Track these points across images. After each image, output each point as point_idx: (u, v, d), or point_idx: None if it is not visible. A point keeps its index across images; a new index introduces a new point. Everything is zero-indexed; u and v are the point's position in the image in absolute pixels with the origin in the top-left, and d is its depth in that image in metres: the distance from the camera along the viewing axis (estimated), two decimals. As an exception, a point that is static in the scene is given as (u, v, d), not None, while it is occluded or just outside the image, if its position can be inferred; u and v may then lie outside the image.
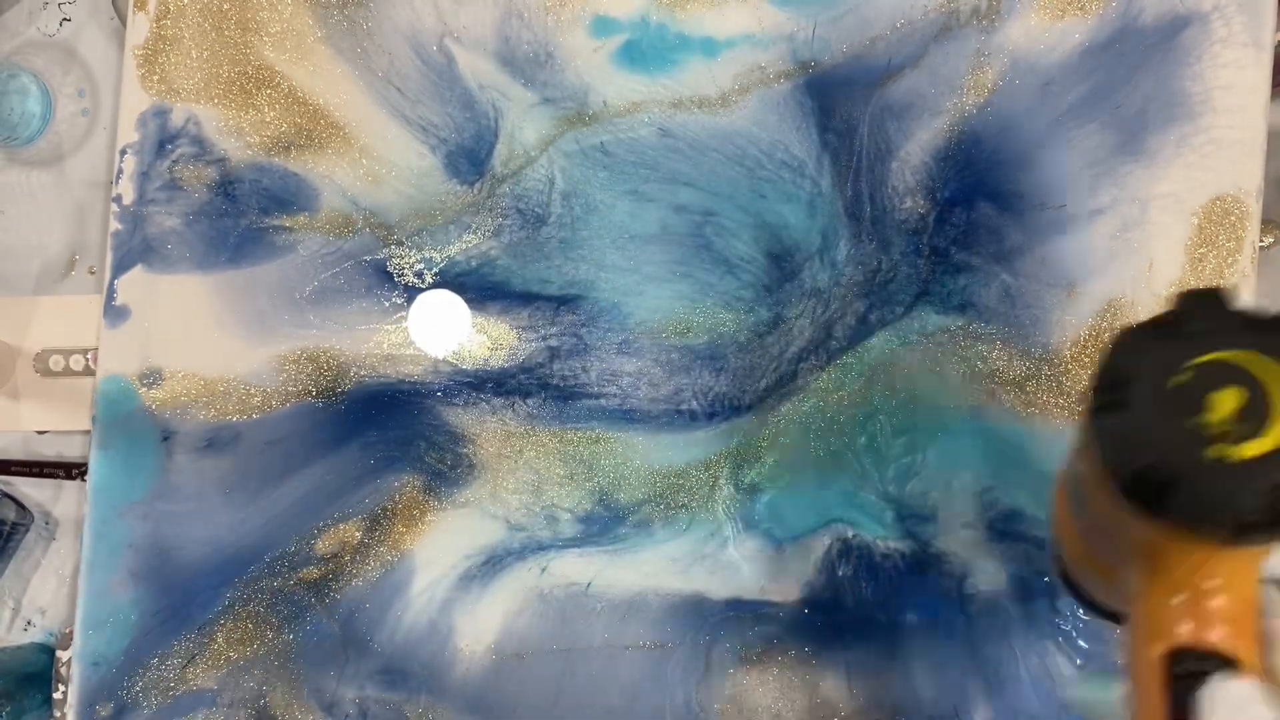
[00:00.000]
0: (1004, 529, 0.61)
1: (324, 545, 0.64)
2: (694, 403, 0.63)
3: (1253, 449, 0.30)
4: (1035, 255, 0.62)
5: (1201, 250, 0.61)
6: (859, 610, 0.61)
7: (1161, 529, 0.31)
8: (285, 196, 0.66)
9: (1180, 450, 0.30)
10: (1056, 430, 0.61)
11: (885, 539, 0.61)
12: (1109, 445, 0.32)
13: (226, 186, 0.66)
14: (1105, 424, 0.32)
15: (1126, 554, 0.36)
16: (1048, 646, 0.60)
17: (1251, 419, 0.30)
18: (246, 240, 0.66)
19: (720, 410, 0.63)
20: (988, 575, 0.61)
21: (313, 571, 0.64)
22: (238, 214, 0.66)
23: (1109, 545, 0.38)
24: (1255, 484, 0.29)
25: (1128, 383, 0.32)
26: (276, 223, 0.65)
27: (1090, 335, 0.61)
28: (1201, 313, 0.31)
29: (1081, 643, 0.60)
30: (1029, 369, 0.61)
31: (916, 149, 0.63)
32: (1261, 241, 0.61)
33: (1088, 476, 0.36)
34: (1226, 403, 0.30)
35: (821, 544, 0.62)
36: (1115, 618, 0.43)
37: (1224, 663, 0.31)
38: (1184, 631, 0.32)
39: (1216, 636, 0.32)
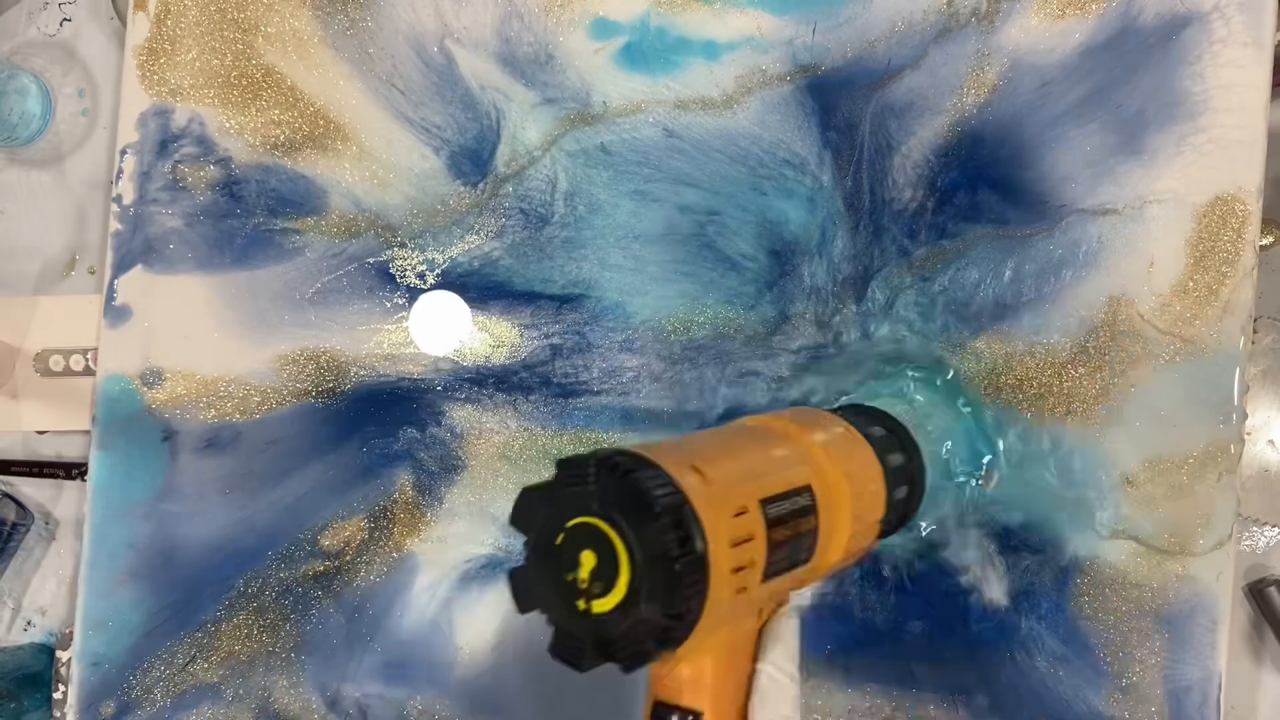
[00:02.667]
0: (1002, 532, 0.61)
1: (326, 544, 0.64)
2: (697, 401, 0.63)
3: (605, 604, 0.34)
4: (1034, 254, 0.62)
5: (1202, 250, 0.61)
6: (860, 610, 0.61)
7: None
8: (293, 198, 0.66)
9: (557, 601, 0.35)
10: (1053, 428, 0.61)
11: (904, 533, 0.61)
12: (514, 592, 0.37)
13: (231, 187, 0.66)
14: (511, 574, 0.37)
15: None
16: (1042, 649, 0.60)
17: (604, 577, 0.34)
18: (254, 242, 0.66)
19: (725, 407, 0.63)
20: (990, 580, 0.61)
21: (315, 569, 0.64)
22: (244, 215, 0.66)
23: None
24: (614, 632, 0.34)
25: (526, 542, 0.37)
26: (285, 225, 0.65)
27: (1090, 335, 0.61)
28: (567, 479, 0.36)
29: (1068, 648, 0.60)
30: (1028, 369, 0.62)
31: (917, 146, 0.63)
32: (1262, 241, 0.61)
33: None
34: (588, 562, 0.35)
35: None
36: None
37: (693, 715, 0.38)
38: (659, 690, 0.39)
39: (685, 699, 0.38)
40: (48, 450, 0.71)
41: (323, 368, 0.65)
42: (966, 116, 0.63)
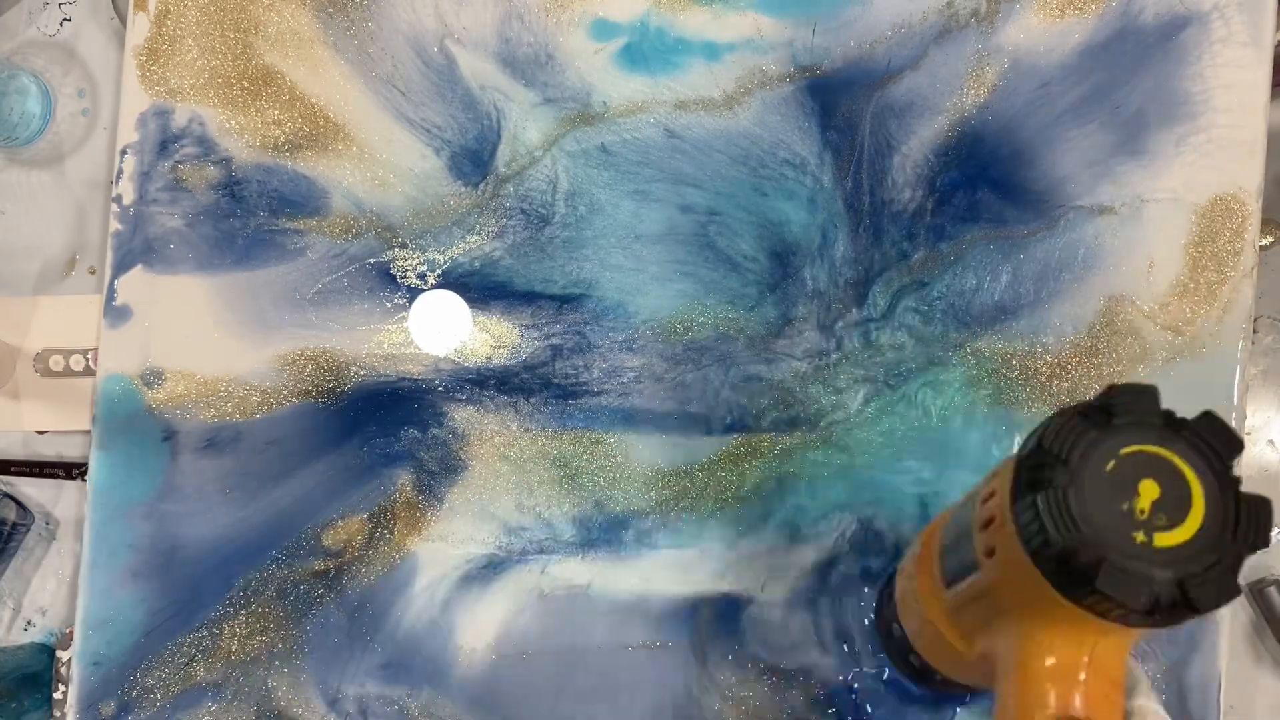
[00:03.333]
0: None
1: (327, 543, 0.64)
2: (699, 402, 0.63)
3: (1171, 538, 0.32)
4: (1034, 255, 0.62)
5: (1202, 250, 0.61)
6: (863, 609, 0.61)
7: (1071, 604, 0.34)
8: (294, 198, 0.66)
9: (1110, 531, 0.33)
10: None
11: (905, 533, 0.61)
12: (1035, 519, 0.34)
13: (232, 187, 0.66)
14: (1034, 499, 0.34)
15: (1008, 627, 0.39)
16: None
17: (1174, 510, 0.32)
18: (254, 242, 0.66)
19: (727, 409, 0.63)
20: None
21: (316, 569, 0.64)
22: (244, 215, 0.66)
23: (983, 618, 0.41)
24: (1170, 571, 0.32)
25: (1060, 464, 0.34)
26: (287, 225, 0.65)
27: (1090, 335, 0.61)
28: (1130, 405, 0.34)
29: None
30: (1029, 369, 0.62)
31: (917, 146, 0.63)
32: (1261, 241, 0.62)
33: (986, 545, 0.38)
34: (1149, 492, 0.33)
35: (826, 543, 0.62)
36: (946, 686, 0.47)
37: None
38: (1054, 704, 0.35)
39: (1084, 710, 0.35)
40: (48, 450, 0.71)
41: (323, 368, 0.65)
42: (966, 116, 0.63)
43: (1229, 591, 0.32)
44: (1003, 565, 0.37)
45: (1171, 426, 0.34)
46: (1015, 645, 0.38)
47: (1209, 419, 0.34)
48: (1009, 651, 0.38)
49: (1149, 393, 0.34)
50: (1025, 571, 0.35)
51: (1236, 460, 0.33)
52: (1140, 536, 0.32)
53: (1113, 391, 0.35)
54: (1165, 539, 0.32)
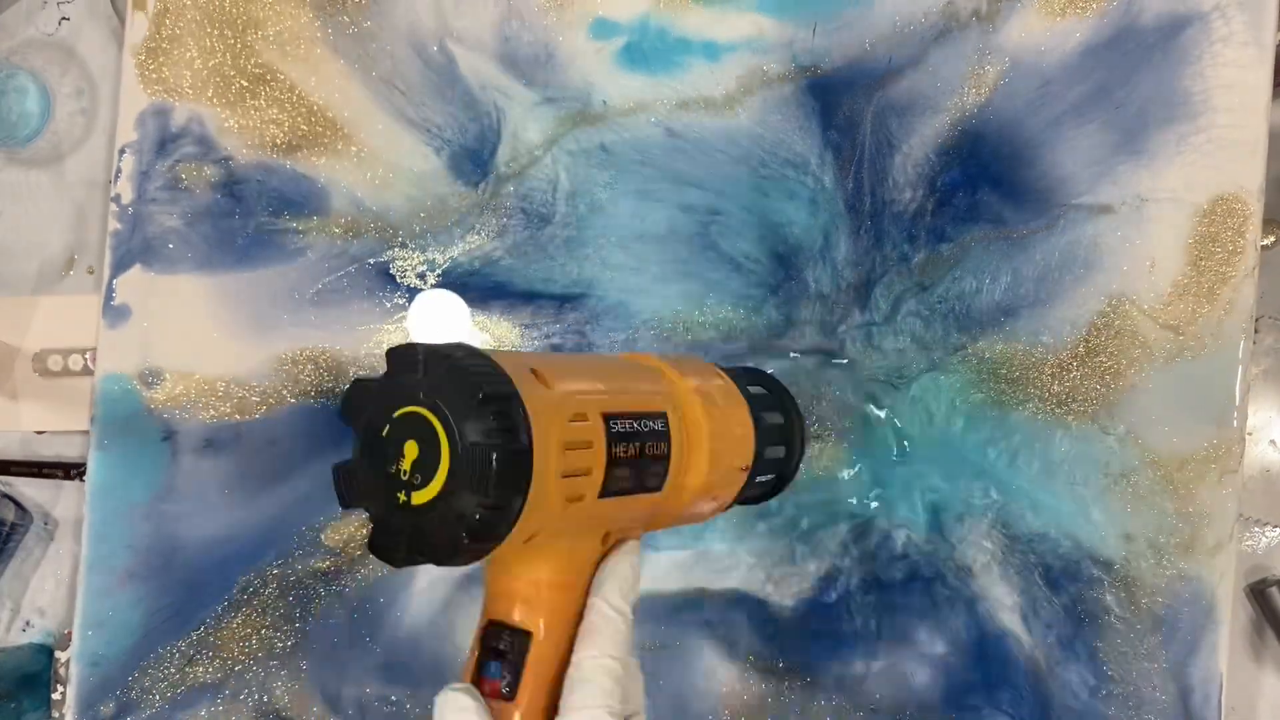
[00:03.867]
0: (1003, 531, 0.61)
1: (326, 543, 0.64)
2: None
3: (422, 496, 0.34)
4: (1035, 255, 0.62)
5: (1203, 250, 0.61)
6: (863, 610, 0.61)
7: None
8: (294, 198, 0.66)
9: (379, 494, 0.35)
10: (1054, 429, 0.61)
11: (906, 534, 0.61)
12: (337, 488, 0.37)
13: (231, 187, 0.66)
14: (335, 468, 0.37)
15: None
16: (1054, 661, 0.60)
17: (425, 468, 0.34)
18: (254, 242, 0.65)
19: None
20: (990, 583, 0.61)
21: (315, 569, 0.63)
22: (244, 215, 0.66)
23: None
24: (430, 524, 0.34)
25: (355, 434, 0.37)
26: (288, 225, 0.65)
27: (1091, 335, 0.61)
28: (397, 368, 0.36)
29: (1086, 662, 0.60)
30: (1029, 369, 0.61)
31: (918, 145, 0.63)
32: (1263, 241, 0.61)
33: None
34: (411, 453, 0.34)
35: (828, 544, 0.62)
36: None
37: (522, 635, 0.38)
38: (493, 609, 0.39)
39: (516, 616, 0.38)
40: (47, 450, 0.71)
41: (322, 368, 0.65)
42: (967, 116, 0.63)
43: (453, 549, 0.34)
44: None
45: (433, 387, 0.35)
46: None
47: (447, 366, 0.35)
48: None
49: (410, 353, 0.35)
50: None
51: (486, 415, 0.34)
52: (402, 496, 0.35)
53: (389, 356, 0.36)
54: (419, 496, 0.34)
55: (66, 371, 0.68)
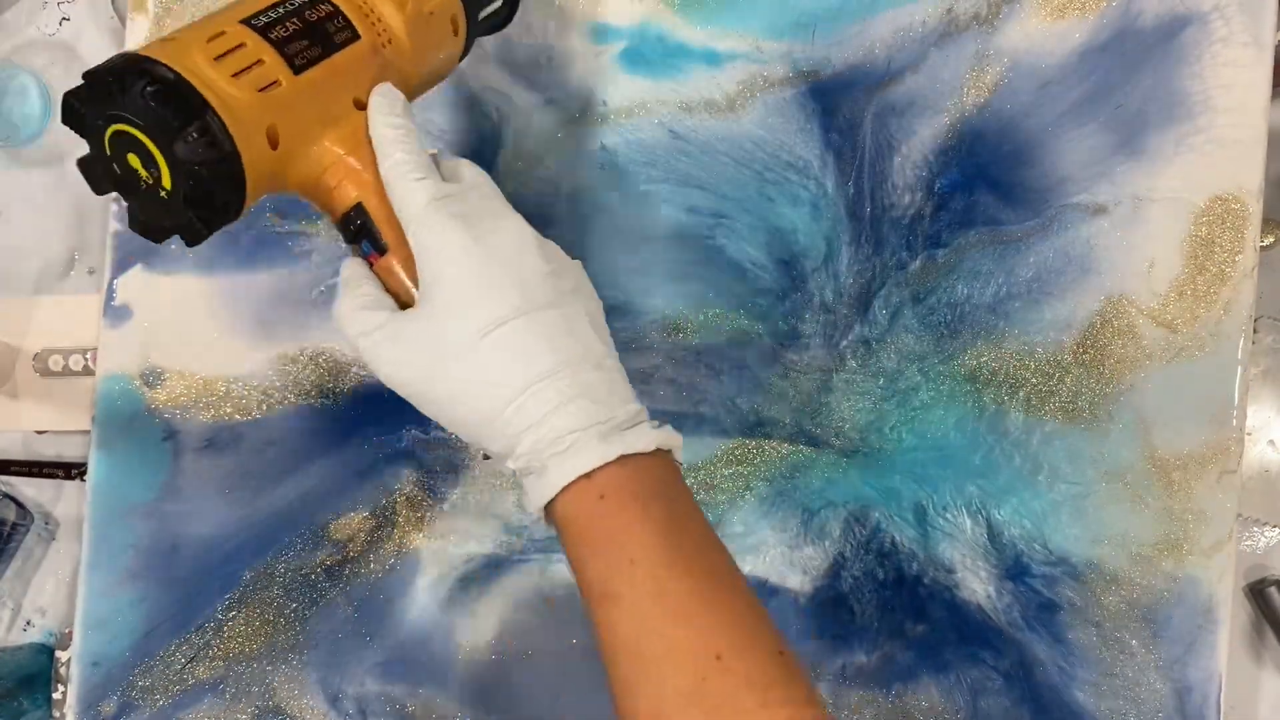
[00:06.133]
0: (1000, 534, 0.61)
1: (327, 543, 0.64)
2: (704, 406, 0.63)
3: (162, 189, 0.40)
4: (1034, 255, 0.62)
5: (1202, 250, 0.61)
6: (864, 610, 0.61)
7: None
8: (299, 200, 0.65)
9: (124, 184, 0.42)
10: (1053, 430, 0.61)
11: (906, 536, 0.61)
12: (87, 179, 0.43)
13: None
14: (79, 162, 0.43)
15: None
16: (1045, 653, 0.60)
17: (153, 169, 0.40)
18: (258, 244, 0.65)
19: (733, 411, 0.63)
20: (987, 581, 0.61)
21: (317, 568, 0.64)
22: (248, 216, 0.66)
23: None
24: (179, 208, 0.40)
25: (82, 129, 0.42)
26: (291, 228, 0.65)
27: (1090, 335, 0.61)
28: (100, 90, 0.40)
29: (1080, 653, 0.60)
30: (1028, 369, 0.62)
31: (918, 146, 0.63)
32: (1262, 241, 0.62)
33: None
34: (134, 161, 0.41)
35: (829, 545, 0.62)
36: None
37: (358, 208, 0.44)
38: (327, 210, 0.46)
39: (346, 200, 0.44)
40: (48, 450, 0.71)
41: (322, 368, 0.65)
42: (967, 117, 0.63)
43: (202, 228, 0.41)
44: None
45: (135, 110, 0.39)
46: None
47: (146, 97, 0.39)
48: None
49: (102, 76, 0.40)
50: None
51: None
52: (145, 185, 0.41)
53: (85, 78, 0.41)
54: (159, 187, 0.40)
55: (67, 371, 0.68)
